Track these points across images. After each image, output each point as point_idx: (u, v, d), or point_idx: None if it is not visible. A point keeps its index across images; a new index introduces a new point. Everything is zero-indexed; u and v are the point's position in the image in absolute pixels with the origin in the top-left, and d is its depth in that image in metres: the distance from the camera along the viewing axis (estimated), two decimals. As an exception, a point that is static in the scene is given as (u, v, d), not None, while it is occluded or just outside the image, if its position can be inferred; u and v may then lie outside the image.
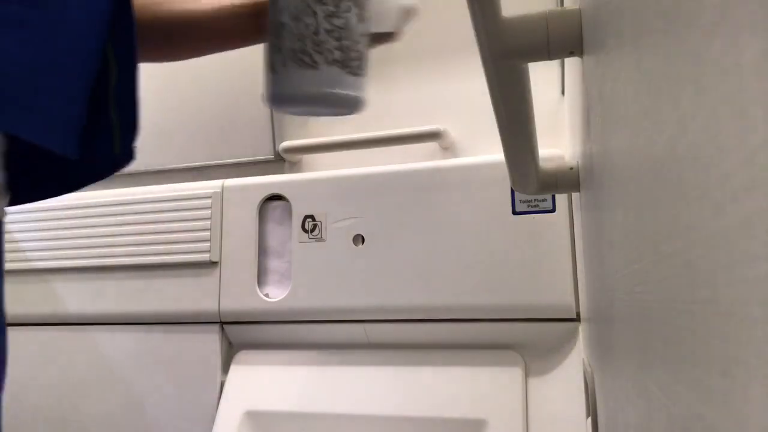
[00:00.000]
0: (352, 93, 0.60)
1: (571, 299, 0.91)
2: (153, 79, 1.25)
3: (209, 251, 1.10)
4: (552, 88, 1.07)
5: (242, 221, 1.10)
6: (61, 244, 1.17)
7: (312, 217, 1.05)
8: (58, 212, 1.19)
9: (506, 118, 0.46)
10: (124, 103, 0.57)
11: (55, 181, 0.59)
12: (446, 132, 1.10)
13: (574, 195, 0.85)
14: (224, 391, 1.05)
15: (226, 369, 1.08)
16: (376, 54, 1.20)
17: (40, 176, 0.59)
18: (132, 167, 0.60)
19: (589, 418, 0.59)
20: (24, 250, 1.20)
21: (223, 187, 1.12)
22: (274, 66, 0.60)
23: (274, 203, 1.11)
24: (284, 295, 1.04)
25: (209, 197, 1.12)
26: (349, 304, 1.01)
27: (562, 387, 0.90)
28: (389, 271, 0.99)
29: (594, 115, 0.37)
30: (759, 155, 0.09)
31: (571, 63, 0.74)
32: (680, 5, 0.13)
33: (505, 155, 0.54)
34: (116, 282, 1.14)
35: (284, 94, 0.59)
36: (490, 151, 1.07)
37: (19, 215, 1.22)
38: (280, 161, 1.21)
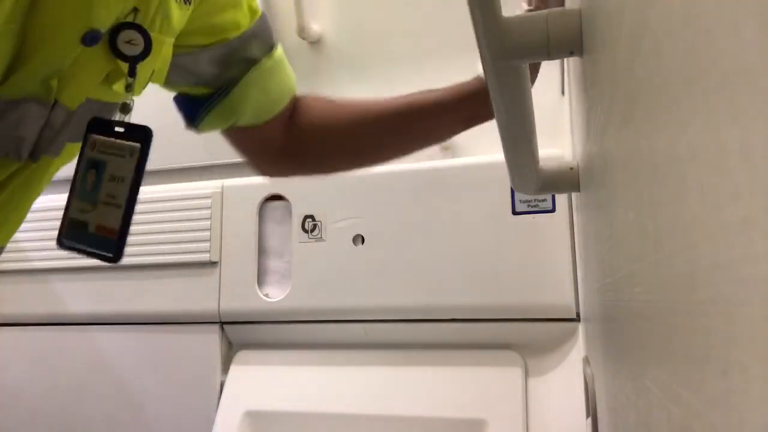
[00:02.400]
0: None
1: (571, 299, 0.91)
2: (153, 79, 1.25)
3: (209, 251, 1.10)
4: (552, 88, 1.07)
5: (242, 221, 1.10)
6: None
7: (312, 217, 1.05)
8: (59, 212, 1.19)
9: (506, 118, 0.46)
10: None
11: None
12: (446, 132, 1.10)
13: (574, 195, 0.85)
14: (224, 391, 1.05)
15: (226, 369, 1.08)
16: (377, 54, 1.20)
17: None
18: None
19: (589, 418, 0.59)
20: (24, 250, 1.20)
21: (223, 187, 1.12)
22: None
23: (274, 203, 1.10)
24: (284, 295, 1.04)
25: (209, 197, 1.12)
26: (349, 304, 1.01)
27: (562, 387, 0.90)
28: (389, 271, 0.99)
29: (594, 115, 0.37)
30: (758, 155, 0.09)
31: (571, 63, 0.74)
32: (680, 5, 0.13)
33: (505, 155, 0.54)
34: (116, 282, 1.14)
35: None
36: (490, 151, 1.07)
37: (19, 215, 1.22)
38: (280, 161, 1.21)
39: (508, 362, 0.94)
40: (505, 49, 0.40)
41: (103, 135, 0.55)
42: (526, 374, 0.93)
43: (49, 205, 1.24)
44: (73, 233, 0.57)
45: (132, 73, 0.53)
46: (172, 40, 0.58)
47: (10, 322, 1.21)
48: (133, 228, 1.27)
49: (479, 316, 0.95)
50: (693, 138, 0.12)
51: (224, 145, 1.30)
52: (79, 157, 0.56)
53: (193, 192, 1.14)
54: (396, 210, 1.01)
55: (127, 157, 0.55)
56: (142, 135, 0.54)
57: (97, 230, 0.57)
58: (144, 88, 0.59)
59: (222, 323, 1.09)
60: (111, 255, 0.54)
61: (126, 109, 0.56)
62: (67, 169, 0.61)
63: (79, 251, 0.56)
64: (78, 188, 0.56)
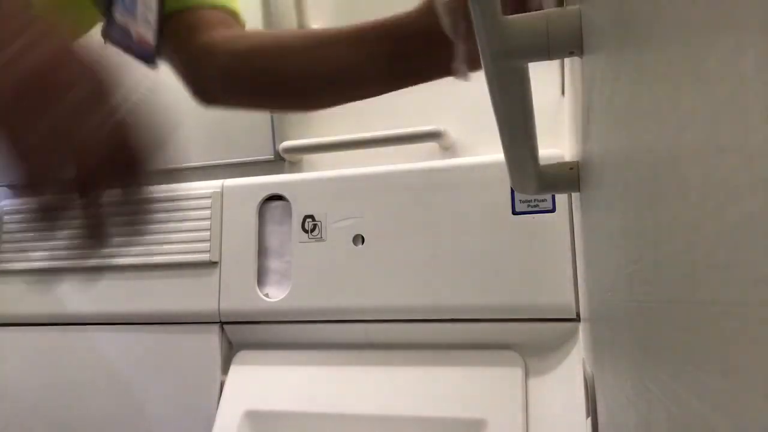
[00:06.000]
0: None
1: (571, 299, 0.91)
2: (152, 78, 1.25)
3: (209, 251, 1.10)
4: (552, 88, 1.07)
5: (242, 221, 1.10)
6: (61, 245, 1.17)
7: (312, 217, 1.05)
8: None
9: (506, 118, 0.46)
10: None
11: None
12: (446, 132, 1.10)
13: (574, 195, 0.85)
14: (224, 391, 1.05)
15: (226, 369, 1.08)
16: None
17: None
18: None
19: (589, 418, 0.59)
20: (24, 251, 1.20)
21: (223, 187, 1.12)
22: None
23: (274, 203, 1.10)
24: (284, 295, 1.04)
25: (209, 197, 1.12)
26: (349, 304, 1.01)
27: (562, 387, 0.90)
28: (389, 271, 0.99)
29: (594, 115, 0.37)
30: (759, 155, 0.09)
31: (571, 63, 0.74)
32: (680, 5, 0.13)
33: (505, 155, 0.54)
34: (116, 282, 1.14)
35: None
36: (490, 151, 1.07)
37: (19, 215, 1.22)
38: (280, 161, 1.21)
39: (508, 362, 0.94)
40: (505, 49, 0.40)
41: None
42: (526, 374, 0.93)
43: (49, 205, 1.24)
44: (119, 34, 0.69)
45: None
46: None
47: (10, 322, 1.21)
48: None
49: (479, 316, 0.95)
50: (693, 137, 0.12)
51: (224, 145, 1.30)
52: None
53: (193, 192, 1.14)
54: (396, 210, 1.01)
55: None
56: None
57: (138, 42, 0.70)
58: None
59: (222, 323, 1.09)
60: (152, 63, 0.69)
61: None
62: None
63: (124, 49, 0.69)
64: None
